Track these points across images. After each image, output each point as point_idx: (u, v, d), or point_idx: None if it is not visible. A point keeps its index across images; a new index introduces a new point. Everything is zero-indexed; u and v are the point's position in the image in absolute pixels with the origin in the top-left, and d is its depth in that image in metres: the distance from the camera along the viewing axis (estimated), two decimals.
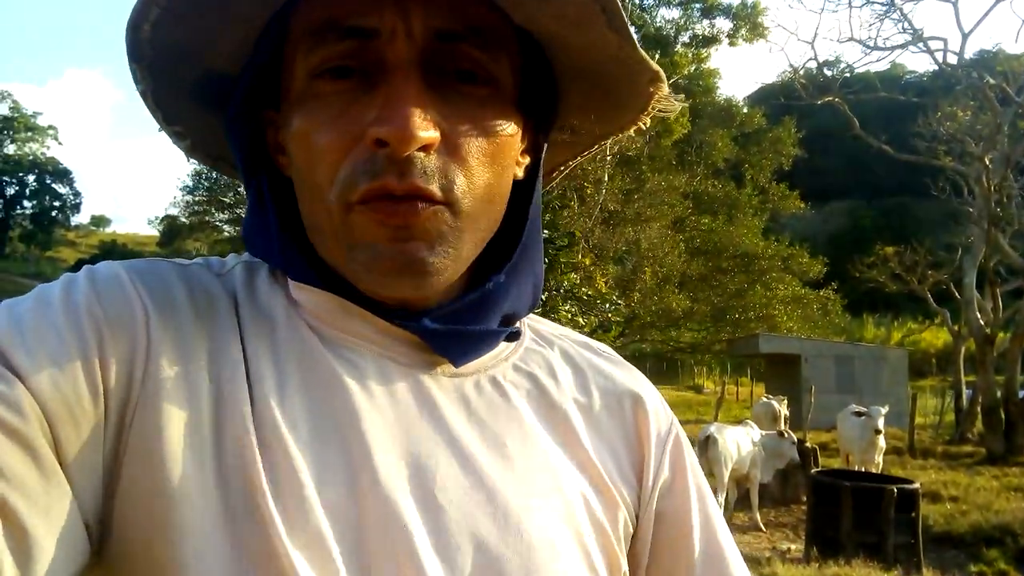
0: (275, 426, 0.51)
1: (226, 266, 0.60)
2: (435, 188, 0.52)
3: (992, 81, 12.18)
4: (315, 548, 0.48)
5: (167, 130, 0.63)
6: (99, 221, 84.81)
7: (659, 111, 0.63)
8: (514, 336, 0.63)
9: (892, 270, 18.96)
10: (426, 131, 0.50)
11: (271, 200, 0.59)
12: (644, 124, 0.65)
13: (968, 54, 12.70)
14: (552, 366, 0.64)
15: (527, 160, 0.62)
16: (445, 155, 0.52)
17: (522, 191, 0.61)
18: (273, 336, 0.55)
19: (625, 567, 0.60)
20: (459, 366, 0.58)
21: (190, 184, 23.31)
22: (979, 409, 12.87)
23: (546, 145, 0.64)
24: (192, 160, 0.70)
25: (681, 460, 0.66)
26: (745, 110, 24.99)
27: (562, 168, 0.71)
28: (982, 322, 12.87)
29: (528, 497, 0.56)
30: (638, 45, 0.56)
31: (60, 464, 0.45)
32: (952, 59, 12.54)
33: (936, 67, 13.26)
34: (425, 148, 0.51)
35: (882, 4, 10.88)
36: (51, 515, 0.44)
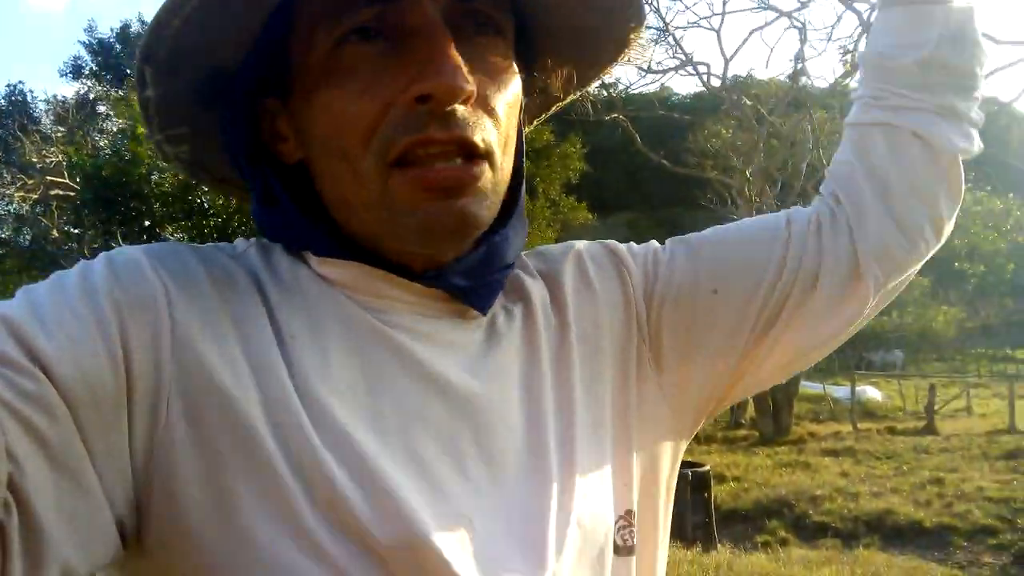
0: (313, 388, 0.51)
1: (238, 249, 0.59)
2: (478, 139, 0.53)
3: (748, 102, 13.60)
4: (380, 497, 0.49)
5: (158, 138, 0.60)
6: None
7: (631, 60, 0.66)
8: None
9: None
10: (469, 82, 0.51)
11: (281, 185, 0.58)
12: (606, 75, 0.69)
13: (730, 77, 14.09)
14: (520, 290, 0.67)
15: None
16: (479, 108, 0.54)
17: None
18: (305, 302, 0.55)
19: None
20: (486, 313, 0.61)
21: None
22: (750, 397, 14.26)
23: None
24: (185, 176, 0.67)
25: (628, 258, 0.71)
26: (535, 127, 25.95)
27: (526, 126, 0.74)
28: None
29: (557, 419, 0.60)
30: None
31: (86, 450, 0.44)
32: (716, 82, 13.89)
33: (702, 88, 14.60)
34: (464, 101, 0.52)
35: (656, 30, 11.87)
36: (70, 512, 0.43)
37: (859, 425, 13.44)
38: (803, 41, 13.97)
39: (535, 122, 0.74)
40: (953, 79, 0.67)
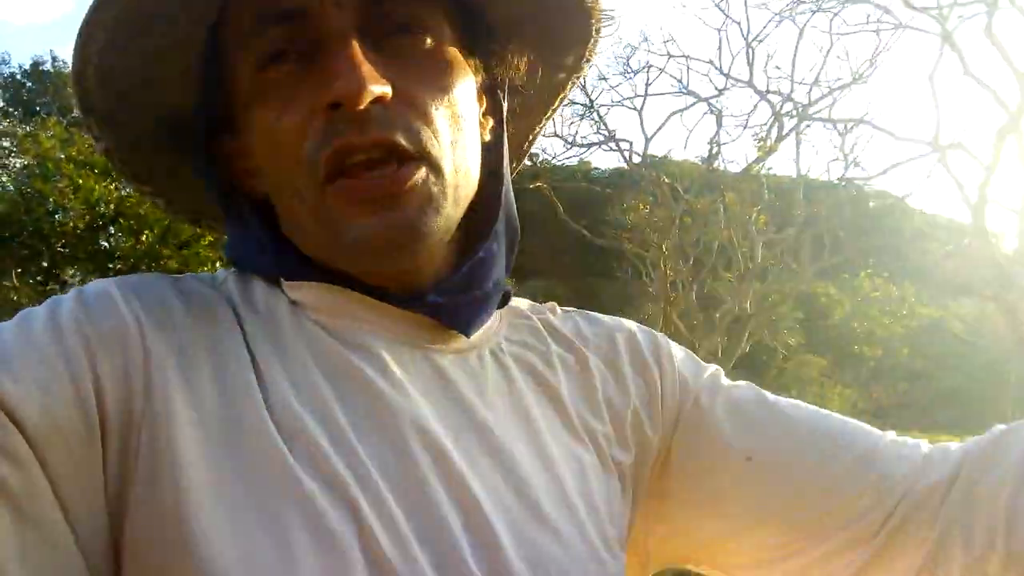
0: (292, 420, 0.48)
1: (217, 279, 0.57)
2: (400, 138, 0.51)
3: (666, 180, 14.12)
4: (363, 535, 0.46)
5: (140, 190, 0.60)
6: None
7: (599, 34, 0.63)
8: (504, 301, 0.63)
9: None
10: (376, 83, 0.49)
11: (253, 214, 0.58)
12: (590, 58, 0.64)
13: (649, 155, 14.65)
14: (537, 335, 0.64)
15: (490, 123, 0.62)
16: (403, 107, 0.52)
17: (493, 157, 0.61)
18: (279, 336, 0.53)
19: (621, 533, 0.60)
20: (471, 335, 0.58)
21: None
22: None
23: (505, 107, 0.63)
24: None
25: (672, 359, 0.67)
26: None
27: (524, 146, 0.72)
28: None
29: (546, 470, 0.56)
30: None
31: (57, 497, 0.41)
32: (636, 159, 14.40)
33: (623, 164, 15.11)
34: (380, 101, 0.50)
35: (583, 106, 12.30)
36: (36, 564, 0.41)
37: None
38: (719, 126, 14.71)
39: (539, 127, 0.70)
40: None
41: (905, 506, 0.58)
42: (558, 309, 0.69)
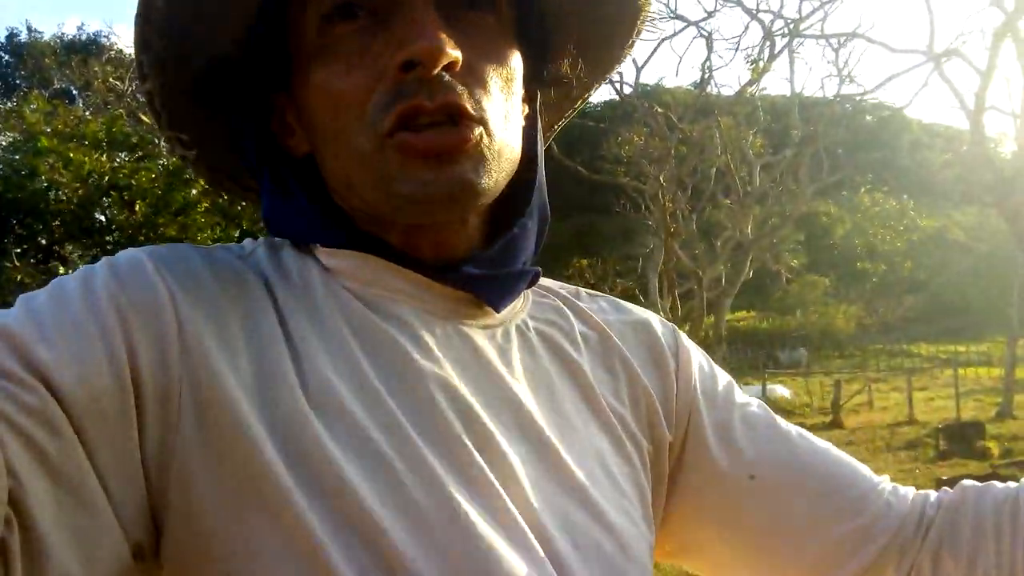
0: (326, 390, 0.49)
1: (246, 249, 0.58)
2: (468, 104, 0.52)
3: (659, 110, 13.96)
4: (401, 506, 0.47)
5: (170, 137, 0.60)
6: None
7: (640, 33, 0.65)
8: (534, 279, 0.63)
9: (588, 280, 20.87)
10: (453, 48, 0.51)
11: (292, 176, 0.58)
12: (626, 58, 0.67)
13: (641, 85, 14.45)
14: (562, 314, 0.66)
15: (526, 109, 0.63)
16: (468, 77, 0.53)
17: (526, 141, 0.61)
18: (313, 304, 0.53)
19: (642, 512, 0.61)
20: (500, 310, 0.59)
21: None
22: None
23: (540, 97, 0.64)
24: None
25: (691, 358, 0.69)
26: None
27: (547, 133, 0.72)
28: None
29: (570, 444, 0.57)
30: None
31: (92, 463, 0.42)
32: (627, 90, 14.19)
33: (615, 96, 14.91)
34: (450, 68, 0.51)
35: None
36: (73, 528, 0.41)
37: None
38: (710, 50, 14.46)
39: (563, 121, 0.72)
40: None
41: (889, 550, 0.63)
42: (583, 292, 0.70)
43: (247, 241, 0.60)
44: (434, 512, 0.48)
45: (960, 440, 9.20)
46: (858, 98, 14.85)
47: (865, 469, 0.67)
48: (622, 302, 0.72)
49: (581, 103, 0.71)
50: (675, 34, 13.57)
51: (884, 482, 0.66)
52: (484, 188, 0.54)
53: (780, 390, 18.50)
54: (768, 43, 13.18)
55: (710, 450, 0.65)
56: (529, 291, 0.65)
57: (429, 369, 0.53)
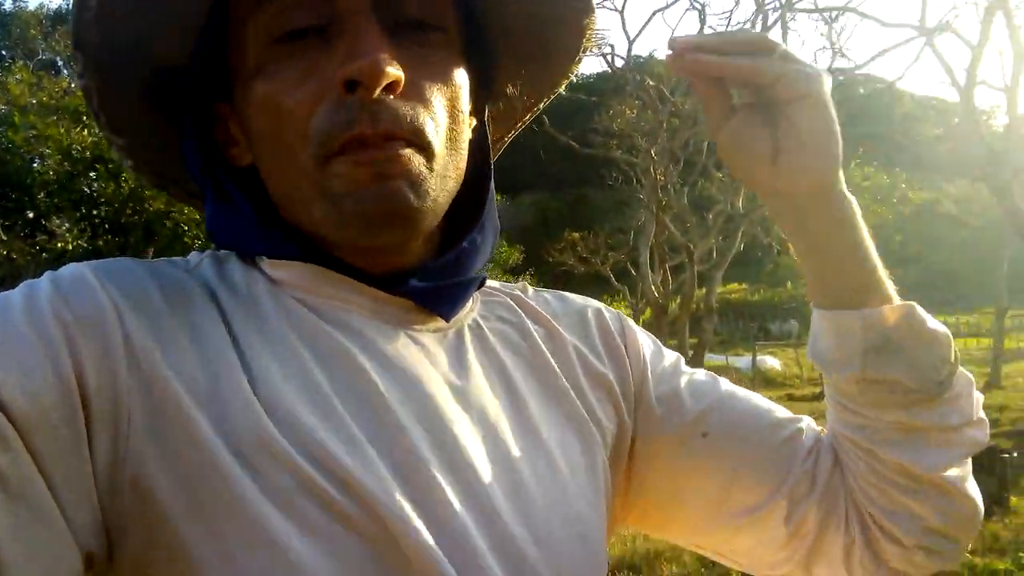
0: (276, 397, 0.49)
1: (191, 263, 0.57)
2: (407, 131, 0.53)
3: (651, 83, 13.88)
4: (364, 516, 0.47)
5: (111, 139, 0.59)
6: None
7: (586, 51, 0.65)
8: (480, 284, 0.64)
9: (580, 254, 20.91)
10: (394, 67, 0.51)
11: (236, 187, 0.58)
12: (573, 73, 0.68)
13: (633, 57, 14.36)
14: (510, 310, 0.67)
15: (473, 122, 0.63)
16: (412, 98, 0.53)
17: (473, 153, 0.62)
18: (260, 314, 0.53)
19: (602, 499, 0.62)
20: (449, 320, 0.59)
21: None
22: None
23: (488, 111, 0.65)
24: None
25: (635, 337, 0.71)
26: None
27: (498, 144, 0.73)
28: (656, 294, 14.65)
29: (531, 435, 0.58)
30: None
31: (44, 477, 0.42)
32: (619, 63, 14.11)
33: (606, 69, 14.81)
34: (392, 89, 0.51)
35: None
36: (29, 541, 0.42)
37: (760, 392, 13.98)
38: (703, 23, 14.35)
39: (512, 132, 0.73)
40: (896, 396, 0.60)
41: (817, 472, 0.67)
42: (529, 288, 0.72)
43: (192, 254, 0.59)
44: (395, 521, 0.48)
45: None
46: (850, 72, 14.79)
47: (786, 413, 0.70)
48: (567, 294, 0.73)
49: (531, 115, 0.71)
50: (667, 6, 13.50)
51: (801, 425, 0.69)
52: (422, 210, 0.54)
53: (770, 361, 18.67)
54: (760, 16, 13.09)
55: (664, 418, 0.67)
56: (477, 292, 0.65)
57: (380, 374, 0.53)
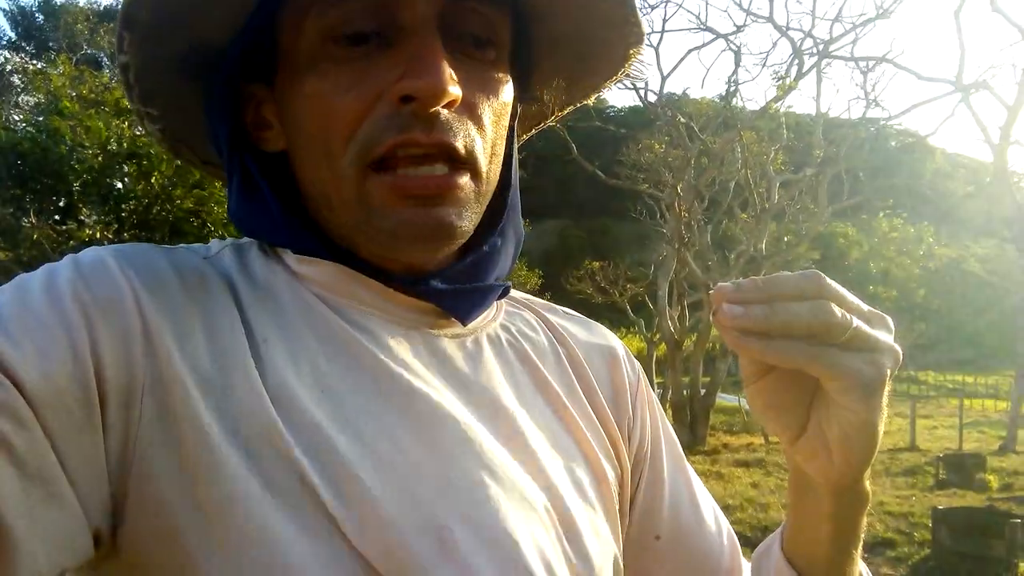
0: (286, 391, 0.49)
1: (211, 250, 0.57)
2: (460, 145, 0.53)
3: (682, 120, 13.91)
4: (366, 506, 0.47)
5: (139, 109, 0.60)
6: None
7: (630, 75, 0.66)
8: (504, 293, 0.64)
9: (599, 283, 20.83)
10: (454, 87, 0.51)
11: (262, 176, 0.58)
12: (608, 88, 0.68)
13: (666, 93, 14.40)
14: (532, 326, 0.67)
15: None
16: (464, 114, 0.53)
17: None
18: (277, 306, 0.53)
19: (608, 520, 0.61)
20: (467, 323, 0.59)
21: None
22: (669, 405, 14.57)
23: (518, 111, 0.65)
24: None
25: (650, 403, 0.71)
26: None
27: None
28: (672, 329, 14.57)
29: (543, 449, 0.58)
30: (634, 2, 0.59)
31: (57, 456, 0.42)
32: (652, 97, 14.17)
33: (638, 103, 14.86)
34: (449, 105, 0.51)
35: None
36: (41, 519, 0.42)
37: (770, 438, 13.84)
38: (738, 64, 14.41)
39: (530, 132, 0.73)
40: None
41: None
42: (557, 308, 0.72)
43: (213, 242, 0.59)
44: (387, 514, 0.48)
45: (960, 471, 9.13)
46: (883, 123, 14.76)
47: (734, 545, 0.71)
48: (594, 323, 0.73)
49: (555, 119, 0.72)
50: (703, 45, 13.54)
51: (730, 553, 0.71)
52: (463, 231, 0.55)
53: None
54: (796, 61, 13.12)
55: (638, 502, 0.68)
56: (502, 301, 0.65)
57: (397, 373, 0.53)
